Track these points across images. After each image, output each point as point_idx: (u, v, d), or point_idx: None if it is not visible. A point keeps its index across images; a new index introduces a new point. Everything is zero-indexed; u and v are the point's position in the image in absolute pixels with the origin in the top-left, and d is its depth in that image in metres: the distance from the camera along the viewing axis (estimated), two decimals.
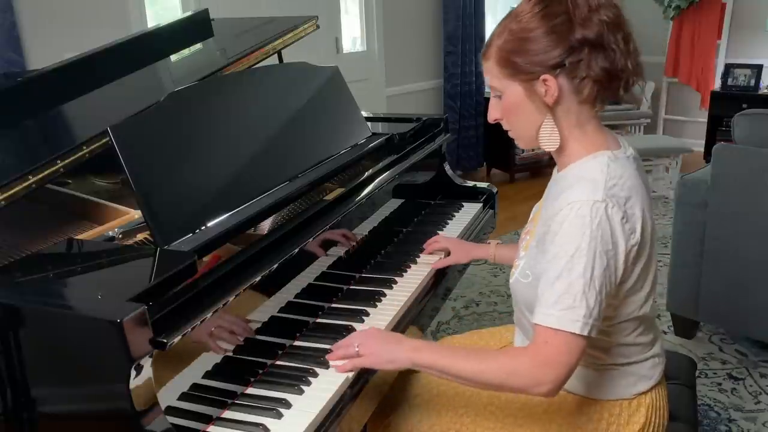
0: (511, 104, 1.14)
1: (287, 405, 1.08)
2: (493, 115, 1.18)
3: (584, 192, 1.05)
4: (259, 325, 1.23)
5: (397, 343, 1.17)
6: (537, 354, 1.05)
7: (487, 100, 4.84)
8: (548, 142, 1.13)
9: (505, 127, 1.18)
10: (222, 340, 1.13)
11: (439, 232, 1.83)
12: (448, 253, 1.65)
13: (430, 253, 1.66)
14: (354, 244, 1.54)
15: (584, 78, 1.07)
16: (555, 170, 1.22)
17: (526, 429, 1.23)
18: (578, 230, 1.02)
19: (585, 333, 1.02)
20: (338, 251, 1.50)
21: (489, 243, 1.61)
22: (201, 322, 1.02)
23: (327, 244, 1.42)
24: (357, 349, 1.17)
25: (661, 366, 1.25)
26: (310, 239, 1.33)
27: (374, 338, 1.20)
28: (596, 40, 1.05)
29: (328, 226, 1.40)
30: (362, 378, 1.20)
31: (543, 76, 1.08)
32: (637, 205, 1.08)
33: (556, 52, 1.06)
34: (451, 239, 1.69)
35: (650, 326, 1.21)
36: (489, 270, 3.39)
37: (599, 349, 1.17)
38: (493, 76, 1.15)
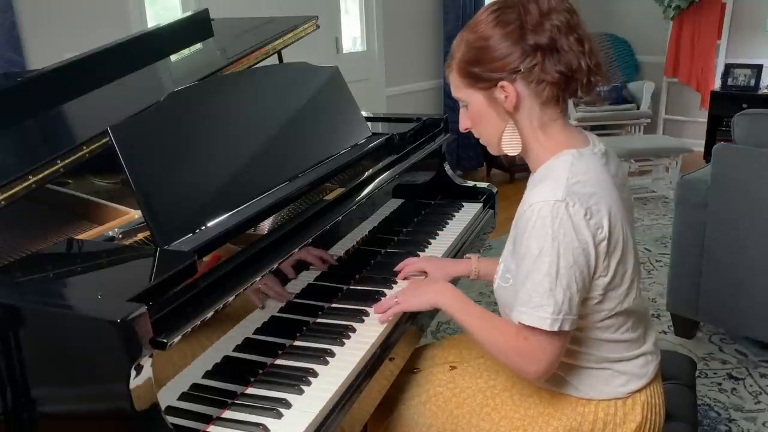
0: (475, 113, 1.18)
1: (287, 405, 1.08)
2: (463, 125, 1.23)
3: (545, 192, 1.08)
4: (266, 319, 1.24)
5: (428, 284, 1.36)
6: (519, 347, 1.12)
7: None
8: (510, 147, 1.18)
9: (476, 135, 1.23)
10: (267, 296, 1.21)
11: (439, 232, 1.83)
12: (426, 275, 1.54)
13: (405, 278, 1.52)
14: (331, 264, 1.46)
15: (541, 82, 1.10)
16: (531, 175, 1.24)
17: (522, 431, 1.23)
18: (541, 231, 1.06)
19: (555, 329, 1.06)
20: (338, 251, 1.50)
21: (469, 258, 1.55)
22: (201, 322, 1.02)
23: (300, 266, 1.36)
24: (396, 300, 1.32)
25: (655, 363, 1.26)
26: (310, 239, 1.33)
27: (409, 287, 1.38)
28: (549, 44, 1.08)
29: (328, 226, 1.40)
30: (362, 378, 1.20)
31: (500, 83, 1.11)
32: (604, 200, 1.09)
33: (510, 59, 1.10)
34: (427, 260, 1.58)
35: (638, 322, 1.22)
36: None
37: (587, 346, 1.18)
38: (456, 88, 1.19)
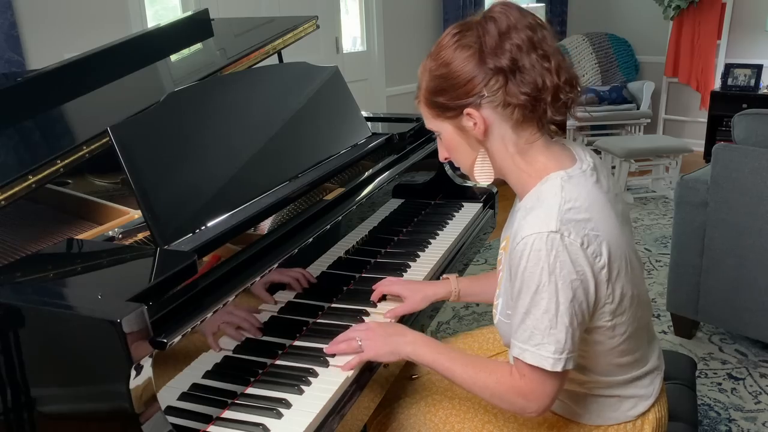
0: (448, 143, 1.13)
1: (287, 405, 1.08)
2: (441, 155, 1.18)
3: (537, 224, 1.00)
4: (265, 319, 1.23)
5: (399, 335, 1.20)
6: (518, 385, 1.06)
7: None
8: (482, 176, 1.12)
9: (456, 164, 1.18)
10: (228, 335, 1.14)
11: (439, 232, 1.83)
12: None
13: (380, 300, 1.43)
14: (309, 282, 1.38)
15: (508, 105, 1.03)
16: (516, 199, 1.19)
17: None
18: (536, 266, 0.99)
19: (558, 369, 1.01)
20: (338, 251, 1.50)
21: (447, 278, 1.45)
22: (201, 322, 1.02)
23: (275, 287, 1.29)
24: (360, 343, 1.19)
25: (660, 376, 1.23)
26: (310, 239, 1.33)
27: (376, 331, 1.21)
28: (510, 65, 1.01)
29: (328, 226, 1.40)
30: (363, 376, 1.20)
31: (466, 110, 1.06)
32: (600, 224, 1.02)
33: (473, 84, 1.04)
34: (403, 282, 1.46)
35: (643, 340, 1.18)
36: (490, 269, 3.39)
37: (598, 373, 1.15)
38: (426, 119, 1.15)
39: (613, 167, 4.31)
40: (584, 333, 1.07)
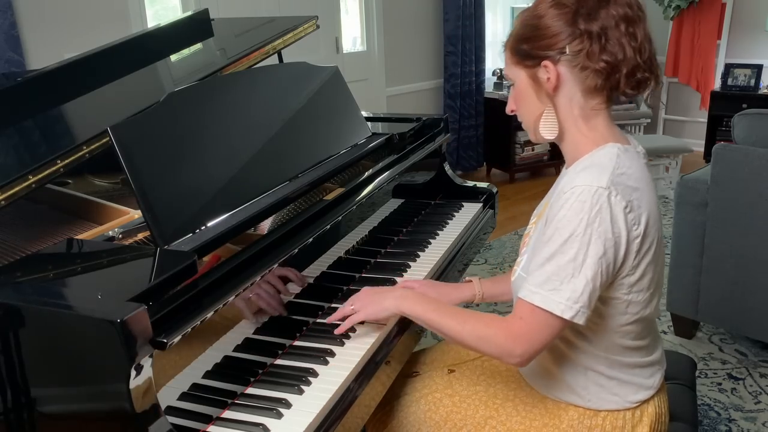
0: (518, 92, 1.18)
1: (287, 405, 1.08)
2: (509, 106, 1.23)
3: (589, 177, 1.05)
4: (266, 319, 1.25)
5: (388, 291, 1.29)
6: (510, 327, 1.09)
7: (487, 100, 4.86)
8: (547, 130, 1.16)
9: (519, 118, 1.22)
10: (260, 308, 1.20)
11: (439, 232, 1.83)
12: None
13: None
14: (303, 284, 1.38)
15: (585, 68, 1.09)
16: (564, 168, 1.23)
17: None
18: (576, 215, 1.03)
19: (566, 317, 1.03)
20: (338, 251, 1.50)
21: (469, 281, 1.48)
22: (201, 322, 1.03)
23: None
24: (352, 307, 1.26)
25: (661, 373, 1.25)
26: (310, 239, 1.33)
27: (365, 293, 1.29)
28: (599, 32, 1.07)
29: (328, 226, 1.40)
30: (363, 376, 1.20)
31: (544, 62, 1.11)
32: (644, 198, 1.08)
33: (558, 38, 1.09)
34: (428, 283, 1.47)
35: (651, 330, 1.21)
36: (489, 270, 3.39)
37: (604, 350, 1.16)
38: (506, 65, 1.19)
39: None
40: (599, 302, 1.09)
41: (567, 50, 1.09)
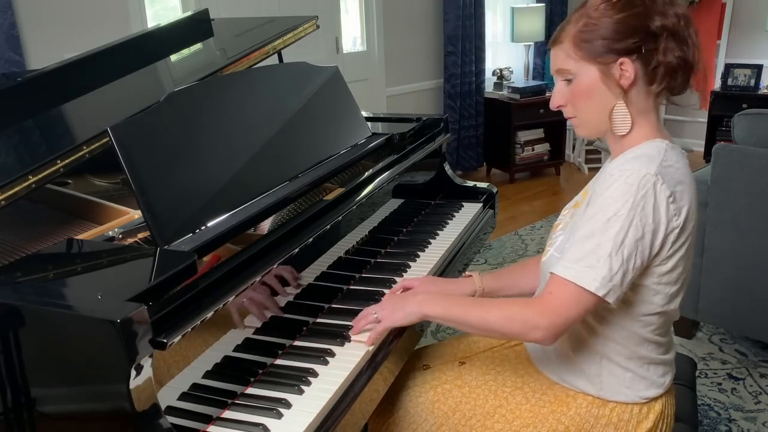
0: (584, 87, 1.16)
1: (287, 405, 1.08)
2: (557, 101, 1.20)
3: (638, 163, 1.08)
4: (266, 319, 1.25)
5: (410, 297, 1.28)
6: (539, 302, 1.10)
7: (488, 100, 4.84)
8: (621, 125, 1.16)
9: (569, 114, 1.20)
10: (251, 313, 1.19)
11: (439, 232, 1.83)
12: None
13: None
14: (296, 284, 1.36)
15: (658, 65, 1.11)
16: (606, 161, 1.24)
17: (532, 428, 1.23)
18: (621, 196, 1.06)
19: (600, 294, 1.05)
20: (338, 251, 1.50)
21: (469, 275, 1.48)
22: (201, 322, 1.03)
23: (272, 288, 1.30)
24: (375, 315, 1.26)
25: (671, 375, 1.26)
26: (310, 239, 1.33)
27: (387, 302, 1.30)
28: (673, 29, 1.10)
29: (328, 226, 1.40)
30: (364, 375, 1.20)
31: (620, 60, 1.11)
32: (687, 192, 1.11)
33: (634, 38, 1.10)
34: (428, 280, 1.47)
35: (669, 330, 1.24)
36: (489, 269, 3.39)
37: (625, 338, 1.18)
38: (567, 59, 1.16)
39: None
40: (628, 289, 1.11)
41: (644, 48, 1.10)
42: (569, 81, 1.17)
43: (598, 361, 1.20)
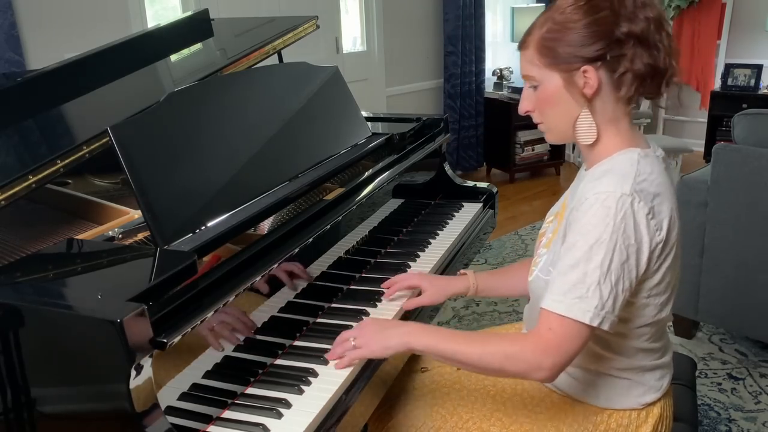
0: (548, 95, 1.12)
1: (287, 405, 1.08)
2: (524, 107, 1.17)
3: (611, 184, 1.04)
4: (265, 319, 1.23)
5: (392, 327, 1.18)
6: (539, 340, 1.05)
7: (488, 100, 4.85)
8: (585, 135, 1.12)
9: (536, 119, 1.17)
10: (223, 337, 1.14)
11: (439, 232, 1.83)
12: (419, 293, 1.44)
13: (392, 298, 1.42)
14: (307, 278, 1.37)
15: (625, 73, 1.06)
16: (582, 168, 1.22)
17: None
18: (601, 221, 1.02)
19: (594, 324, 1.02)
20: (338, 251, 1.50)
21: (464, 273, 1.46)
22: (201, 322, 1.03)
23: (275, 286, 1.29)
24: (353, 343, 1.18)
25: (669, 377, 1.25)
26: (310, 239, 1.33)
27: (368, 327, 1.20)
28: (641, 35, 1.05)
29: (328, 226, 1.40)
30: (363, 376, 1.20)
31: (584, 68, 1.07)
32: (665, 203, 1.07)
33: (598, 45, 1.06)
34: (422, 275, 1.46)
35: (663, 333, 1.22)
36: (489, 269, 3.38)
37: (619, 353, 1.16)
38: (531, 65, 1.13)
39: None
40: None
41: (608, 56, 1.06)
42: (535, 87, 1.14)
43: (593, 374, 1.19)
